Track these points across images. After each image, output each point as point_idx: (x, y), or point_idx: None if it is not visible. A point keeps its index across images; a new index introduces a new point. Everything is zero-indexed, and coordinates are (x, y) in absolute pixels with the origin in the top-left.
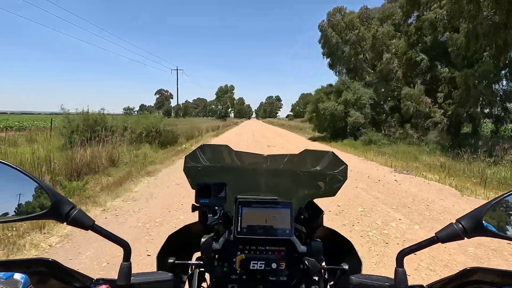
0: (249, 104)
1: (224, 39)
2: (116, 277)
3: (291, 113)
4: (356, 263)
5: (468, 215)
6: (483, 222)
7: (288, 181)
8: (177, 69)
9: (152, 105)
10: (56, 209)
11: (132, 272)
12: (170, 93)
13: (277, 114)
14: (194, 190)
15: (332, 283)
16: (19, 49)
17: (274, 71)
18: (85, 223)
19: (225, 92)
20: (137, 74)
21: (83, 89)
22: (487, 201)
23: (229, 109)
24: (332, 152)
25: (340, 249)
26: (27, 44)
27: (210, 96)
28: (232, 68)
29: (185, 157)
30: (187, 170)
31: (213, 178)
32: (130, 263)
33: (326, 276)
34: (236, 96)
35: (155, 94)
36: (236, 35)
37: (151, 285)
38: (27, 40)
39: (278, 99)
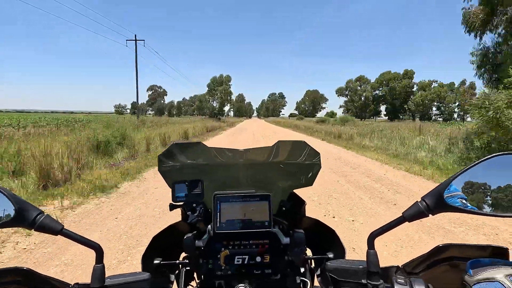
0: (250, 102)
1: (223, 34)
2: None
3: (296, 112)
4: (340, 251)
5: (431, 192)
6: (445, 198)
7: (266, 174)
8: (135, 39)
9: (145, 102)
10: (21, 216)
11: (107, 274)
12: (164, 90)
13: (281, 113)
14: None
15: (318, 272)
16: None
17: (275, 68)
18: (53, 228)
19: (219, 84)
20: (131, 68)
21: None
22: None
23: (226, 106)
24: (305, 141)
25: (324, 238)
26: None
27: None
28: (231, 65)
29: (158, 156)
30: (162, 170)
31: (189, 176)
32: (103, 265)
33: (312, 266)
34: (235, 92)
35: (147, 90)
36: (235, 31)
37: (128, 285)
38: None
39: (281, 96)
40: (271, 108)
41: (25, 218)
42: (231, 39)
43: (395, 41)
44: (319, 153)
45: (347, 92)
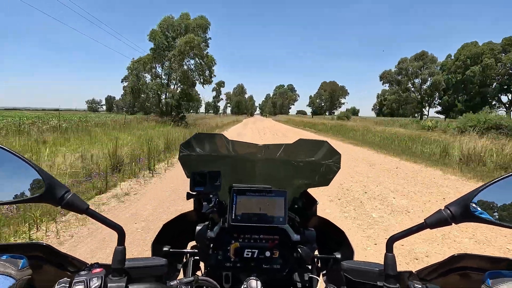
0: (251, 96)
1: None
2: (111, 262)
3: (310, 108)
4: (348, 252)
5: (456, 201)
6: (471, 208)
7: (283, 171)
8: None
9: (120, 97)
10: (50, 192)
11: (127, 257)
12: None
13: (290, 109)
14: (189, 179)
15: (324, 271)
16: None
17: (280, 58)
18: (79, 207)
19: (177, 34)
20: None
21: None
22: (476, 187)
23: (216, 99)
24: (327, 141)
25: (333, 238)
26: None
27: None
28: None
29: (180, 145)
30: (182, 159)
31: (208, 166)
32: (124, 247)
33: (319, 265)
34: (231, 81)
35: (122, 81)
36: (231, 14)
37: (145, 269)
38: None
39: (291, 88)
40: (279, 103)
41: (54, 195)
42: (228, 24)
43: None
44: (339, 154)
45: (400, 77)
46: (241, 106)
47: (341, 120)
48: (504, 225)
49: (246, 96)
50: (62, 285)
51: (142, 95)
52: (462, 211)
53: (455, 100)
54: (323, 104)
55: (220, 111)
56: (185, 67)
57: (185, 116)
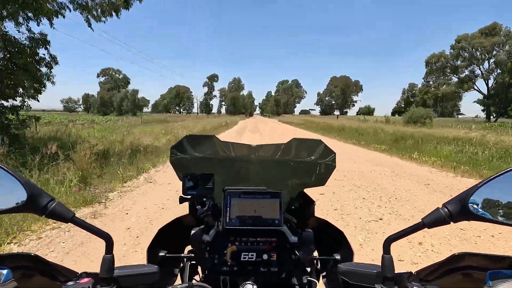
0: (250, 92)
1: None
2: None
3: (318, 106)
4: (347, 253)
5: (453, 199)
6: (469, 206)
7: (278, 172)
8: None
9: (95, 94)
10: (33, 202)
11: (116, 265)
12: (124, 75)
13: (295, 108)
14: (181, 182)
15: (324, 273)
16: None
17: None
18: (64, 216)
19: None
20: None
21: None
22: (473, 184)
23: (207, 96)
24: (320, 140)
25: (332, 239)
26: None
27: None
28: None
29: (171, 148)
30: (174, 162)
31: (201, 169)
32: (113, 256)
33: (318, 266)
34: (227, 76)
35: (98, 76)
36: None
37: (136, 278)
38: None
39: (296, 84)
40: (283, 101)
41: (37, 204)
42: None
43: None
44: (334, 153)
45: (458, 62)
46: (238, 104)
47: (383, 123)
48: (504, 223)
49: (244, 93)
50: None
51: None
52: (460, 210)
53: None
54: (333, 102)
55: (212, 111)
56: None
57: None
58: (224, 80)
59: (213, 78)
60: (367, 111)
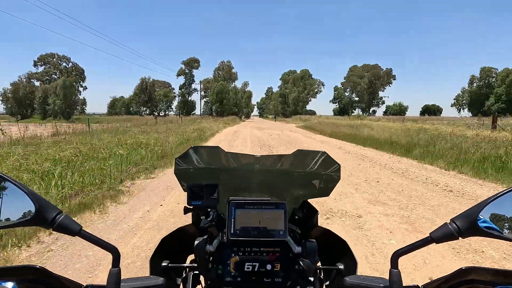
0: (246, 83)
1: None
2: (105, 283)
3: (336, 104)
4: (351, 263)
5: (462, 214)
6: (478, 222)
7: (281, 182)
8: None
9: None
10: (41, 215)
11: (122, 277)
12: (74, 64)
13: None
14: (186, 193)
15: (327, 283)
16: None
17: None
18: (72, 229)
19: None
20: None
21: None
22: (482, 200)
23: (185, 90)
24: (325, 151)
25: (335, 249)
26: None
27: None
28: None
29: (175, 159)
30: (178, 173)
31: (205, 180)
32: (119, 269)
33: (321, 276)
34: (212, 58)
35: (35, 65)
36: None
37: None
38: None
39: (309, 75)
40: (293, 96)
41: (44, 217)
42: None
43: None
44: (339, 164)
45: None
46: (228, 101)
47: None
48: None
49: (238, 85)
50: None
51: None
52: (468, 225)
53: None
54: (357, 99)
55: (194, 111)
56: None
57: None
58: (207, 71)
59: (191, 63)
60: (398, 110)
